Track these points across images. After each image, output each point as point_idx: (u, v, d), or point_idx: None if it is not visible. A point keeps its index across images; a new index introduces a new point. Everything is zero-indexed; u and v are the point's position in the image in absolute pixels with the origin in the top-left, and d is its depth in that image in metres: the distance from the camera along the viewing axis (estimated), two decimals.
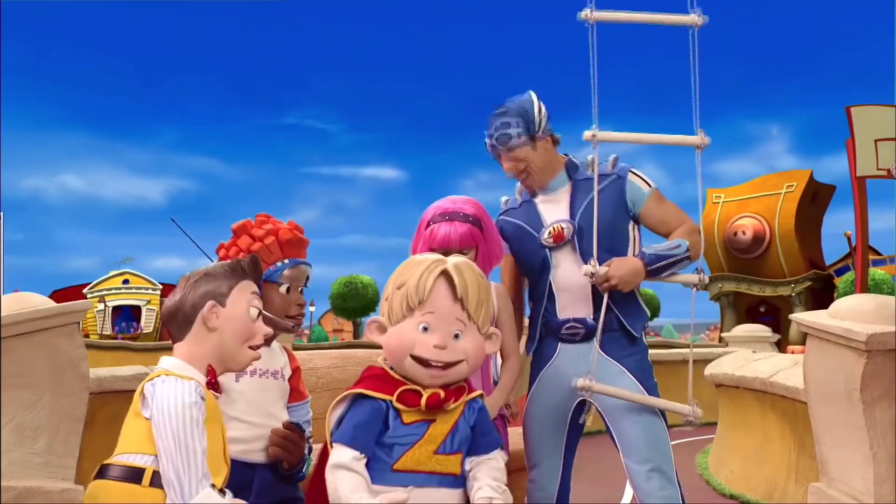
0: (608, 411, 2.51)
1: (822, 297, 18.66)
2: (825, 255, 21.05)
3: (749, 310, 20.65)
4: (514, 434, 2.75)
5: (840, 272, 19.44)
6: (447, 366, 1.77)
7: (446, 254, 2.45)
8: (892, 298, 3.48)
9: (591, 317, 2.53)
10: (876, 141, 12.65)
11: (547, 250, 2.57)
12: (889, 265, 19.35)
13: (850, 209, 13.72)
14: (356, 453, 1.73)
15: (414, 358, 1.77)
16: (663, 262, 2.43)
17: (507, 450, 2.62)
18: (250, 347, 1.79)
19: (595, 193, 2.50)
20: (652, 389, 2.53)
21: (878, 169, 12.73)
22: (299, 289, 2.28)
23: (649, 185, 2.60)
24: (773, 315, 19.85)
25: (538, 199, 2.67)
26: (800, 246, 19.76)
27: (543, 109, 2.58)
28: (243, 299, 1.76)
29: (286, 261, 2.26)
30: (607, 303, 2.46)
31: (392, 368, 1.85)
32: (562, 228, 2.55)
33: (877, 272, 17.86)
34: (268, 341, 2.25)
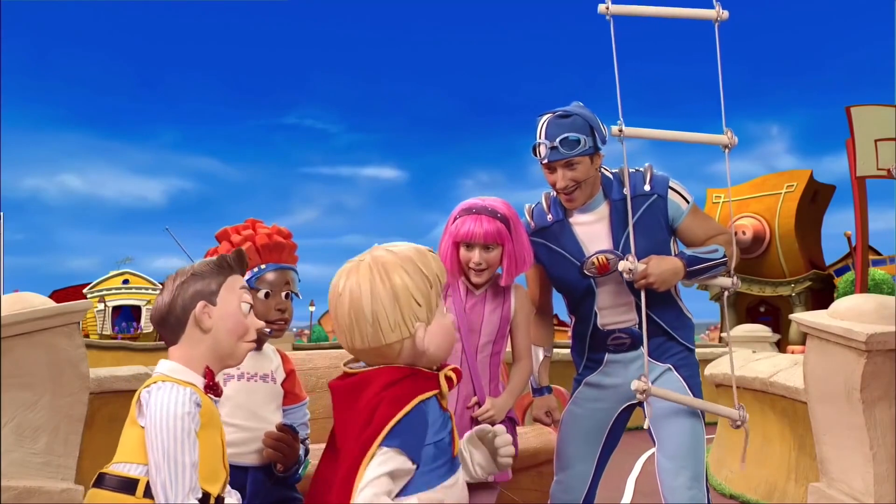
0: (655, 408, 2.50)
1: (822, 297, 18.65)
2: (825, 255, 21.03)
3: (749, 310, 20.64)
4: (522, 434, 2.75)
5: (840, 272, 19.42)
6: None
7: (470, 248, 2.46)
8: (892, 298, 3.48)
9: (636, 324, 2.50)
10: (876, 141, 12.64)
11: (591, 279, 2.51)
12: (889, 265, 19.33)
13: (850, 209, 13.71)
14: (408, 459, 1.66)
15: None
16: (702, 265, 2.40)
17: (517, 451, 2.62)
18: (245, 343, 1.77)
19: (630, 213, 2.42)
20: (696, 387, 2.53)
21: (878, 169, 12.71)
22: (282, 293, 2.25)
23: (687, 202, 2.53)
24: (773, 315, 19.84)
25: (573, 220, 2.54)
26: (800, 246, 19.74)
27: (605, 127, 2.43)
28: (234, 296, 1.73)
29: (263, 266, 2.25)
30: (646, 311, 2.43)
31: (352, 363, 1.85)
32: (607, 260, 2.46)
33: (877, 272, 17.83)
34: (257, 345, 2.25)
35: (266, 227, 2.34)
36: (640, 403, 2.54)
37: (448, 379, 1.77)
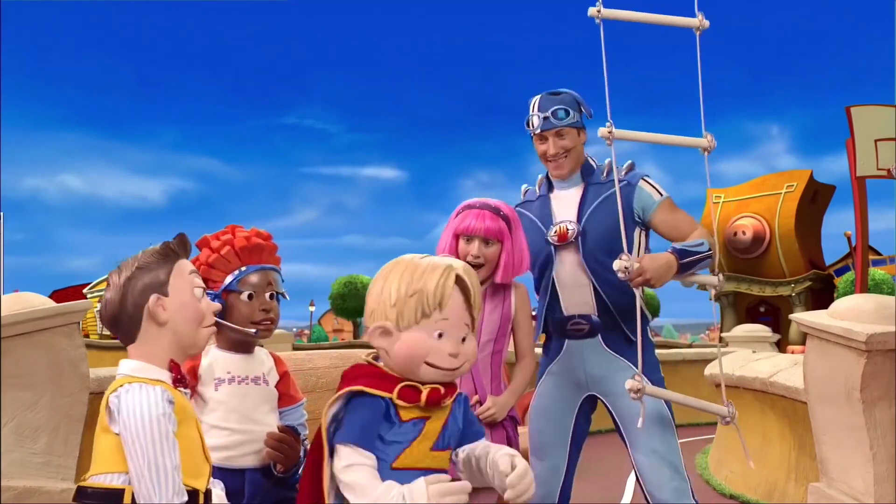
0: (618, 408, 2.54)
1: (822, 297, 18.66)
2: (825, 255, 21.04)
3: (749, 310, 20.65)
4: (524, 433, 2.75)
5: (840, 272, 19.43)
6: (454, 368, 1.77)
7: (469, 241, 2.52)
8: (892, 298, 3.48)
9: (595, 314, 2.59)
10: (876, 141, 12.65)
11: (552, 247, 2.64)
12: (889, 265, 19.35)
13: (850, 209, 13.72)
14: (368, 453, 1.72)
15: (426, 364, 1.76)
16: (692, 258, 2.47)
17: (519, 450, 2.62)
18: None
19: (619, 196, 2.49)
20: (658, 383, 2.56)
21: (878, 169, 12.73)
22: (266, 294, 2.26)
23: (661, 194, 2.64)
24: (773, 315, 19.84)
25: (553, 195, 2.75)
26: (800, 246, 19.75)
27: (590, 108, 2.70)
28: (185, 282, 1.66)
29: (243, 268, 2.26)
30: (640, 303, 2.47)
31: (377, 359, 1.84)
32: (567, 229, 2.63)
33: (877, 272, 17.85)
34: (248, 347, 2.26)
35: (245, 230, 2.35)
36: (601, 399, 2.61)
37: (410, 391, 1.74)
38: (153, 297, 1.60)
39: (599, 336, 2.60)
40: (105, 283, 1.70)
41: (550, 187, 2.77)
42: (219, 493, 1.75)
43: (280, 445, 2.10)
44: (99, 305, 1.67)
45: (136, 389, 1.51)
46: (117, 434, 1.51)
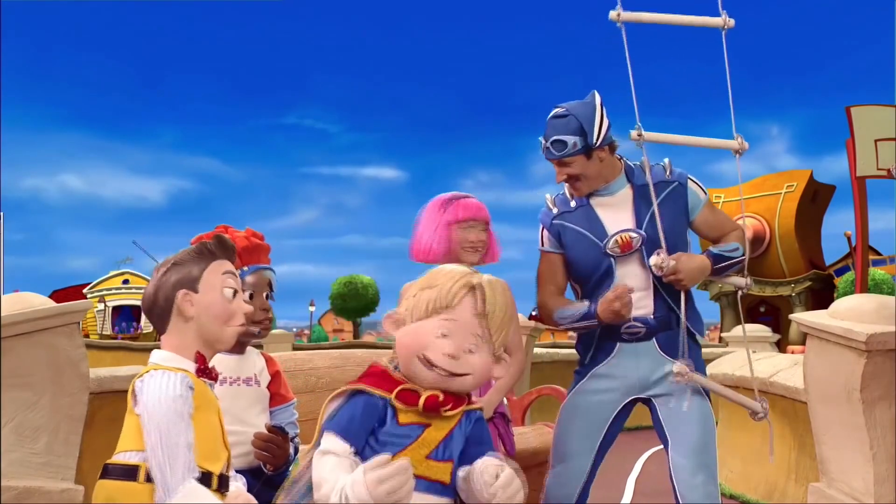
0: (664, 409, 2.50)
1: (822, 297, 18.66)
2: (825, 255, 21.06)
3: (749, 310, 20.66)
4: (522, 433, 2.75)
5: (840, 272, 19.44)
6: (451, 374, 1.76)
7: (468, 229, 2.59)
8: (892, 298, 3.49)
9: (652, 315, 2.52)
10: (876, 141, 12.65)
11: (612, 259, 2.53)
12: (889, 265, 19.35)
13: (850, 209, 13.73)
14: (347, 445, 1.71)
15: (421, 358, 1.75)
16: (725, 263, 2.47)
17: (514, 449, 2.62)
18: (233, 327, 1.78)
19: (654, 203, 2.48)
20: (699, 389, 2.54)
21: (878, 169, 12.72)
22: (263, 294, 2.30)
23: (704, 193, 2.62)
24: (773, 315, 19.85)
25: (595, 203, 2.59)
26: (800, 246, 19.77)
27: (606, 119, 2.50)
28: (216, 281, 1.74)
29: (244, 268, 2.29)
30: (684, 301, 2.48)
31: (396, 368, 1.84)
32: (630, 238, 2.50)
33: (877, 272, 17.85)
34: (241, 348, 2.27)
35: (239, 231, 2.37)
36: (647, 400, 2.55)
37: (409, 394, 1.75)
38: (181, 293, 1.70)
39: (654, 339, 2.52)
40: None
41: (590, 194, 2.61)
42: (239, 486, 1.78)
43: (267, 445, 2.11)
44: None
45: (159, 375, 1.62)
46: (139, 416, 1.61)
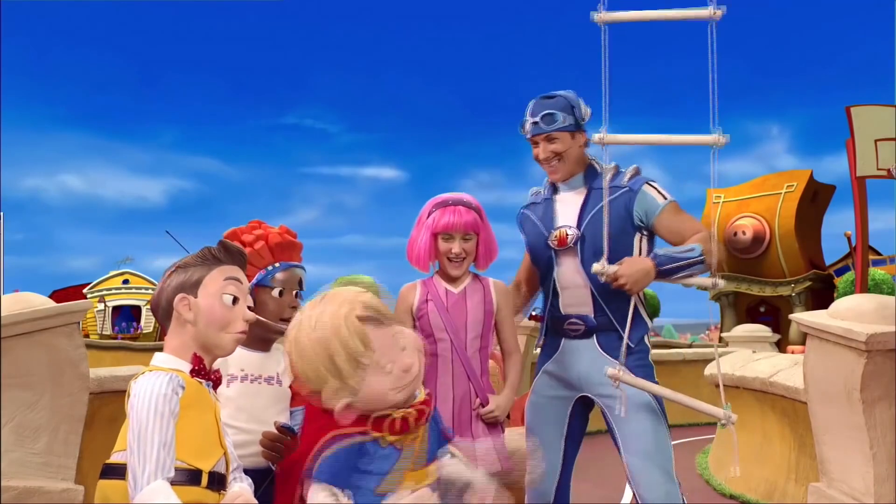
0: (611, 408, 2.52)
1: (822, 297, 18.63)
2: (825, 255, 21.02)
3: (749, 310, 20.64)
4: (519, 432, 2.75)
5: (840, 272, 19.40)
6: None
7: (449, 239, 2.55)
8: (892, 298, 3.49)
9: (593, 315, 2.61)
10: (876, 141, 12.63)
11: (552, 251, 2.65)
12: (889, 265, 19.32)
13: (850, 209, 13.71)
14: (335, 489, 1.69)
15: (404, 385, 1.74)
16: (675, 265, 2.43)
17: (505, 451, 2.62)
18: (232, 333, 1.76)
19: (601, 205, 2.51)
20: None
21: (878, 169, 12.70)
22: (293, 292, 2.30)
23: (665, 198, 2.60)
24: (773, 315, 19.83)
25: (556, 197, 2.73)
26: (800, 246, 19.74)
27: (588, 109, 2.65)
28: (216, 287, 1.74)
29: (277, 264, 2.29)
30: (633, 304, 2.52)
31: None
32: (566, 234, 2.63)
33: (877, 272, 17.82)
34: (266, 345, 2.26)
35: (273, 227, 2.37)
36: (595, 401, 2.60)
37: (382, 421, 1.69)
38: (179, 297, 1.71)
39: (595, 337, 2.61)
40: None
41: (555, 189, 2.76)
42: (244, 486, 1.75)
43: (274, 445, 2.09)
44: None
45: (151, 375, 1.62)
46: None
